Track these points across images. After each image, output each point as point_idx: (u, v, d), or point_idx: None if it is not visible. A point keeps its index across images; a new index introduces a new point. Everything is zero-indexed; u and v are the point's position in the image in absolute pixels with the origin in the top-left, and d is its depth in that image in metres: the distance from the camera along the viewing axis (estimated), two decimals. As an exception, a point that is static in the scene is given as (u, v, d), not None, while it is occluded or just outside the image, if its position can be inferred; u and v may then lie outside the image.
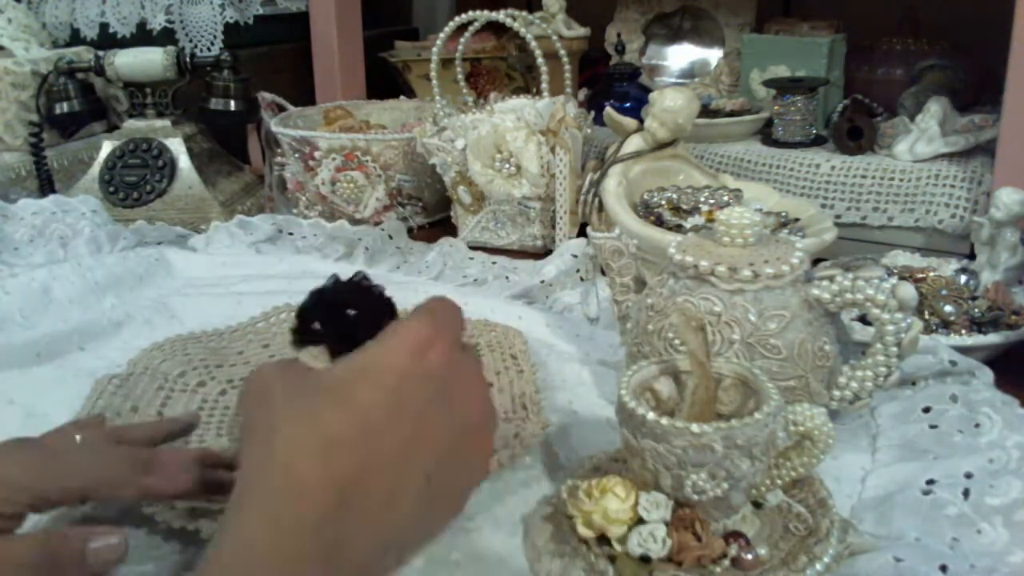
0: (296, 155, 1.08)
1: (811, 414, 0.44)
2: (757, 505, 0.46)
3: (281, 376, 0.35)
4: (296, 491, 0.31)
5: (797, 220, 0.81)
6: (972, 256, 0.81)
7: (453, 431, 0.36)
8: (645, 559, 0.42)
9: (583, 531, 0.44)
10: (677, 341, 0.56)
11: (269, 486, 0.31)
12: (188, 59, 1.13)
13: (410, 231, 1.06)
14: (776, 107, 1.05)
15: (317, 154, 1.05)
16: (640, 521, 0.43)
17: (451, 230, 1.05)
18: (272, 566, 0.30)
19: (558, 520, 0.47)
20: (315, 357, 0.46)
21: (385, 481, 0.33)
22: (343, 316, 0.47)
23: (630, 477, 0.45)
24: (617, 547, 0.43)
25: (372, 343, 0.35)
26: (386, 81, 1.44)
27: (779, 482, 0.46)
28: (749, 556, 0.42)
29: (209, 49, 1.27)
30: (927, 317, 0.70)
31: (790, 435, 0.45)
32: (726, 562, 0.43)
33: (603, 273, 0.67)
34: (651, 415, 0.42)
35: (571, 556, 0.44)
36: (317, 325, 0.47)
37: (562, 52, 1.06)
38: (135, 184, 1.11)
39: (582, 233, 0.93)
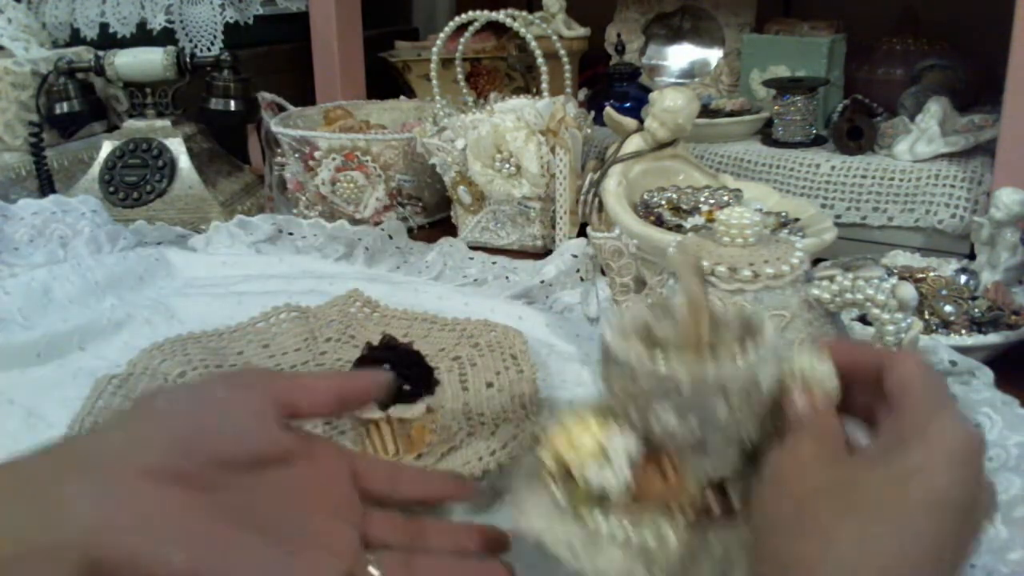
0: (296, 155, 1.08)
1: (811, 363, 0.39)
2: (749, 456, 0.41)
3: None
4: None
5: (797, 220, 0.81)
6: (972, 256, 0.81)
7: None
8: (604, 496, 0.40)
9: (547, 462, 0.41)
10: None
11: None
12: (188, 59, 1.13)
13: (410, 231, 1.06)
14: (776, 107, 1.05)
15: (317, 154, 1.05)
16: (605, 455, 0.40)
17: (451, 230, 1.05)
18: None
19: (534, 462, 0.43)
20: (366, 409, 0.53)
21: None
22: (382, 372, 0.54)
23: (605, 408, 0.42)
24: (577, 477, 0.40)
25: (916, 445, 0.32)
26: (386, 81, 1.44)
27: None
28: (719, 510, 0.39)
29: (209, 49, 1.27)
30: (927, 317, 0.70)
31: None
32: (691, 512, 0.39)
33: (603, 273, 0.67)
34: (620, 347, 0.39)
35: (540, 489, 0.42)
36: None
37: (562, 52, 1.06)
38: (135, 184, 1.11)
39: (582, 233, 0.93)
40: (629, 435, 0.40)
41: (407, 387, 0.55)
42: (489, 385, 0.65)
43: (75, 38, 1.33)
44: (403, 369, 0.56)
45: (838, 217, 0.94)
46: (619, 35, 1.32)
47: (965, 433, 0.32)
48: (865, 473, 0.32)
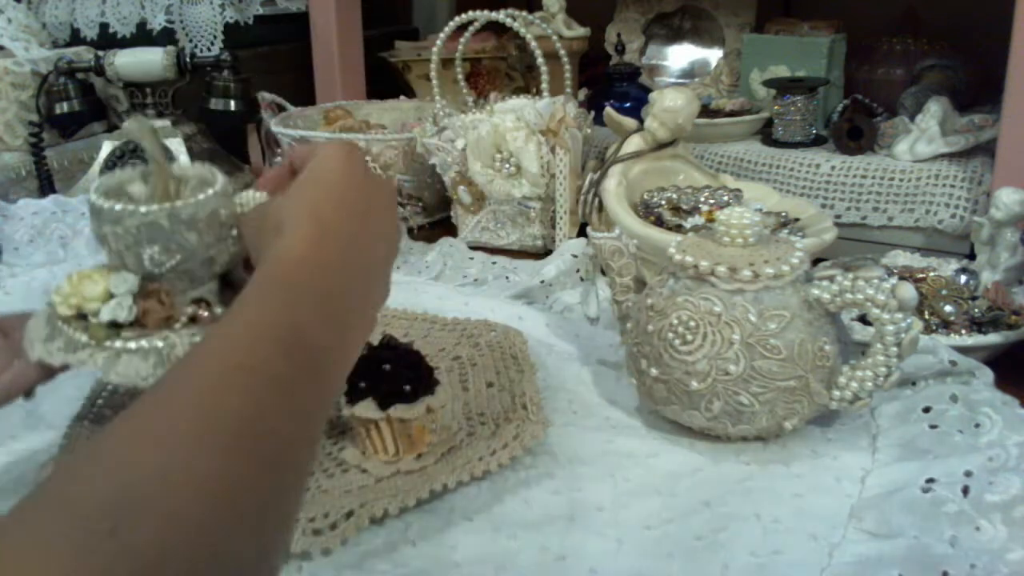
0: (296, 155, 1.08)
1: (251, 195, 0.52)
2: (226, 281, 0.52)
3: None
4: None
5: (797, 220, 0.81)
6: (972, 256, 0.81)
7: (383, 197, 0.49)
8: (115, 325, 0.49)
9: (63, 311, 0.50)
10: (678, 342, 0.56)
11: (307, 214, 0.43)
12: (188, 59, 1.13)
13: (410, 231, 1.06)
14: (776, 107, 1.05)
15: (317, 154, 1.05)
16: (112, 297, 0.50)
17: (451, 230, 1.05)
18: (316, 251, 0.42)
19: (50, 316, 0.52)
20: (367, 409, 0.55)
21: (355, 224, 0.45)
22: (383, 372, 0.56)
23: (103, 266, 0.52)
24: (92, 320, 0.50)
25: (313, 160, 0.48)
26: (386, 81, 1.44)
27: None
28: (206, 314, 0.50)
29: (209, 49, 1.27)
30: (927, 317, 0.71)
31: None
32: (185, 320, 0.49)
33: (603, 273, 0.67)
34: (108, 203, 0.49)
35: (54, 336, 0.50)
36: (363, 384, 0.55)
37: (562, 52, 1.06)
38: (135, 184, 1.11)
39: (582, 233, 0.93)
40: (128, 276, 0.50)
41: (408, 387, 0.55)
42: (489, 385, 0.65)
43: (75, 38, 1.33)
44: (404, 369, 0.56)
45: (838, 217, 0.94)
46: (619, 35, 1.32)
47: (336, 144, 0.48)
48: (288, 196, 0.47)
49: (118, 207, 0.49)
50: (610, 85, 1.25)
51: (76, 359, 0.49)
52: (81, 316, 0.50)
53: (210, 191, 0.51)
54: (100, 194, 0.51)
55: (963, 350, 0.63)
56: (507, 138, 0.94)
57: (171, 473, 0.28)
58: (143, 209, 0.49)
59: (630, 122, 0.92)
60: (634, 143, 0.89)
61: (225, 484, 0.29)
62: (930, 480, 0.51)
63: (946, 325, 0.70)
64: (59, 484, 0.29)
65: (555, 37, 1.07)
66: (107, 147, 1.14)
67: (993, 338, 0.68)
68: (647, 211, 0.84)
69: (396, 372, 0.55)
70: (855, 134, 0.98)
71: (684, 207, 0.82)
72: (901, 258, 0.81)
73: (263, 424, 0.32)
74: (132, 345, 0.48)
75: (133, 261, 0.50)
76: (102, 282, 0.50)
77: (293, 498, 0.33)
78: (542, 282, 0.84)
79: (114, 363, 0.48)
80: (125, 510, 0.27)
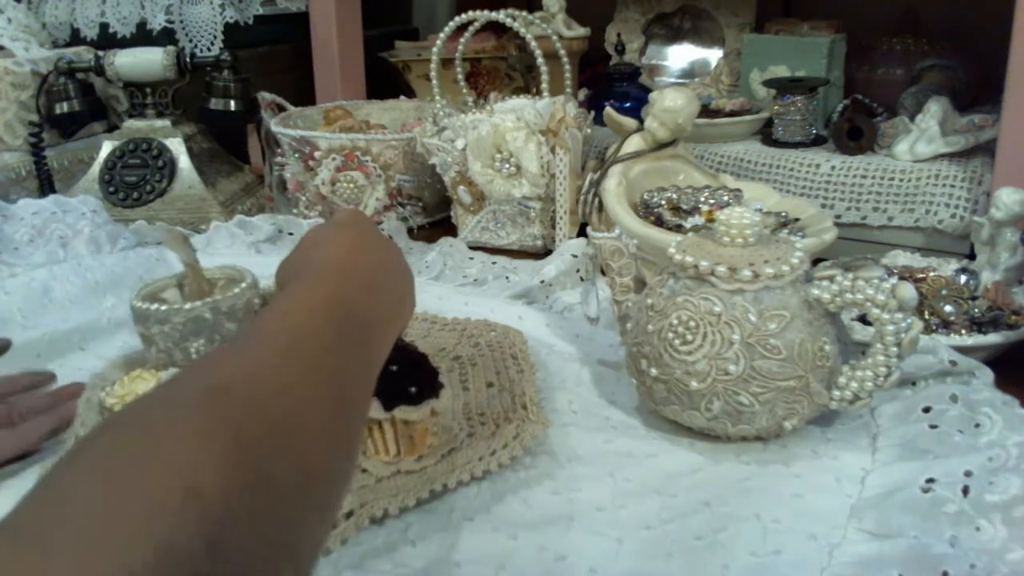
0: (296, 155, 1.08)
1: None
2: None
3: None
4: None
5: (797, 220, 0.81)
6: (972, 256, 0.81)
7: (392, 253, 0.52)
8: None
9: (116, 408, 0.53)
10: (678, 342, 0.56)
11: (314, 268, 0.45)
12: (188, 59, 1.13)
13: (410, 231, 1.06)
14: (776, 107, 1.05)
15: (317, 154, 1.05)
16: None
17: (451, 230, 1.05)
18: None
19: (100, 413, 0.55)
20: (371, 409, 0.55)
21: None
22: (388, 372, 0.55)
23: (151, 365, 0.57)
24: None
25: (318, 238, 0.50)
26: (386, 81, 1.44)
27: None
28: None
29: (209, 49, 1.27)
30: (927, 317, 0.71)
31: None
32: None
33: (603, 273, 0.67)
34: (154, 305, 0.54)
35: None
36: None
37: (562, 52, 1.06)
38: (135, 184, 1.11)
39: (582, 233, 0.93)
40: (175, 371, 0.53)
41: (413, 389, 0.55)
42: (490, 385, 0.65)
43: (75, 38, 1.33)
44: (409, 371, 0.56)
45: (838, 217, 0.94)
46: (619, 35, 1.32)
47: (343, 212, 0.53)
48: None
49: (163, 307, 0.55)
50: (610, 85, 1.25)
51: None
52: None
53: (243, 284, 0.57)
54: (142, 300, 0.57)
55: (963, 350, 0.63)
56: (507, 138, 0.94)
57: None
58: (187, 306, 0.55)
59: (630, 122, 0.92)
60: (634, 143, 0.89)
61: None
62: (930, 480, 0.51)
63: (946, 325, 0.70)
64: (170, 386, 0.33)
65: (555, 37, 1.07)
66: (107, 147, 1.14)
67: (993, 338, 0.68)
68: (647, 211, 0.84)
69: (402, 373, 0.55)
70: (855, 134, 0.98)
71: (684, 207, 0.82)
72: (901, 258, 0.81)
73: (332, 370, 0.37)
74: None
75: (181, 356, 0.55)
76: (152, 380, 0.55)
77: (355, 435, 0.38)
78: (542, 282, 0.84)
79: None
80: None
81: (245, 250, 0.99)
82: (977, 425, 0.56)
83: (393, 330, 0.47)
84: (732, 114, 1.11)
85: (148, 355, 0.58)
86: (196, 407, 0.30)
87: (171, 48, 1.13)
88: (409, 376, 0.55)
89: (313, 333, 0.38)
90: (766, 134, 1.08)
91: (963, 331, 0.69)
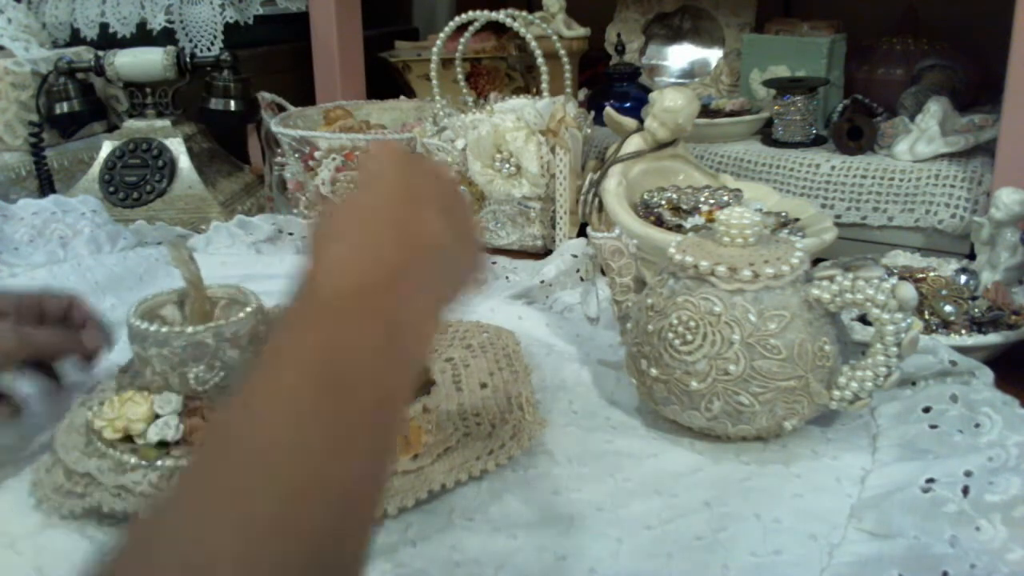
0: (296, 155, 1.08)
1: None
2: None
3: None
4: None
5: (797, 220, 0.81)
6: (972, 256, 0.81)
7: (443, 187, 0.45)
8: (163, 444, 0.52)
9: (108, 434, 0.52)
10: (678, 342, 0.56)
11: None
12: (188, 59, 1.13)
13: (410, 231, 1.05)
14: (776, 107, 1.05)
15: (317, 154, 1.05)
16: (157, 417, 0.53)
17: (451, 230, 1.04)
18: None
19: (87, 435, 0.54)
20: None
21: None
22: None
23: (144, 386, 0.55)
24: (139, 441, 0.52)
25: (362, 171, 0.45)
26: (386, 81, 1.44)
27: None
28: None
29: (209, 49, 1.27)
30: (927, 317, 0.70)
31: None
32: None
33: (603, 273, 0.67)
34: (153, 326, 0.52)
35: (101, 457, 0.52)
36: None
37: (562, 52, 1.06)
38: (135, 184, 1.11)
39: (582, 233, 0.93)
40: (172, 396, 0.53)
41: None
42: (483, 386, 0.65)
43: (75, 38, 1.33)
44: None
45: (838, 217, 0.94)
46: (619, 35, 1.32)
47: (380, 148, 0.44)
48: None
49: (164, 329, 0.52)
50: (610, 85, 1.25)
51: (129, 480, 0.51)
52: (126, 438, 0.53)
53: (248, 309, 0.54)
54: (139, 318, 0.54)
55: (963, 350, 0.63)
56: (507, 138, 0.94)
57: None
58: (189, 330, 0.52)
59: (630, 122, 0.92)
60: (634, 143, 0.89)
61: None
62: (930, 480, 0.51)
63: (946, 325, 0.70)
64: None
65: (555, 37, 1.07)
66: (107, 147, 1.14)
67: (993, 338, 0.68)
68: (647, 211, 0.84)
69: None
70: (855, 134, 0.98)
71: (684, 207, 0.82)
72: (901, 258, 0.81)
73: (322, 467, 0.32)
74: (184, 463, 0.50)
75: (178, 381, 0.53)
76: (144, 403, 0.53)
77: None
78: (542, 282, 0.84)
79: (169, 481, 0.50)
80: None
81: (245, 250, 0.99)
82: (977, 425, 0.56)
83: (441, 309, 0.41)
84: (732, 114, 1.11)
85: (142, 375, 0.56)
86: None
87: (171, 48, 1.13)
88: None
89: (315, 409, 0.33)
90: (766, 134, 1.08)
91: (963, 331, 0.69)
